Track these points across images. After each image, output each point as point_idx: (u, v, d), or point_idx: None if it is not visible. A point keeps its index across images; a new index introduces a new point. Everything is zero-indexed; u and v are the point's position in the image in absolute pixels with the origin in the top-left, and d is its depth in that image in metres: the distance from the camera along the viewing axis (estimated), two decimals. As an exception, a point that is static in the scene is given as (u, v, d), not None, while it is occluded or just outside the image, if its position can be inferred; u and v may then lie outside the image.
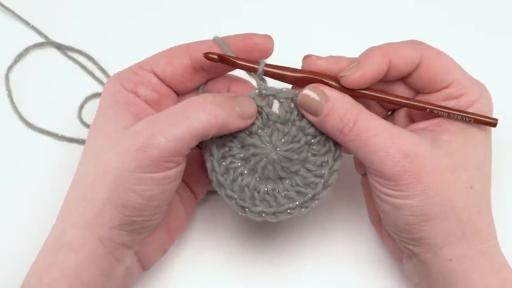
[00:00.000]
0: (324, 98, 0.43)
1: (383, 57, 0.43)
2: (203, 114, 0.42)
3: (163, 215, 0.46)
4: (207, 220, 0.55)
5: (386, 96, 0.45)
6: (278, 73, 0.45)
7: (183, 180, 0.49)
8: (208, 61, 0.45)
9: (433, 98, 0.45)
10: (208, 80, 0.49)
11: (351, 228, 0.55)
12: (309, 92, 0.44)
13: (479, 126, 0.44)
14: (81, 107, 0.59)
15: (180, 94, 0.49)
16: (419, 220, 0.42)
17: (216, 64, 0.46)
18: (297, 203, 0.45)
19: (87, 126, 0.59)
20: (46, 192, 0.55)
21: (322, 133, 0.45)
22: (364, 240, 0.54)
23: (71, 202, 0.44)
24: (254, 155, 0.45)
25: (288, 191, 0.46)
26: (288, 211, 0.45)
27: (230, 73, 0.50)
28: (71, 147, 0.58)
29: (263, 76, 0.46)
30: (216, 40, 0.46)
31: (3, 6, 0.63)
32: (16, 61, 0.61)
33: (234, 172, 0.45)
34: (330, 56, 0.45)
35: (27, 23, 0.63)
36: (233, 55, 0.45)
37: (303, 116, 0.45)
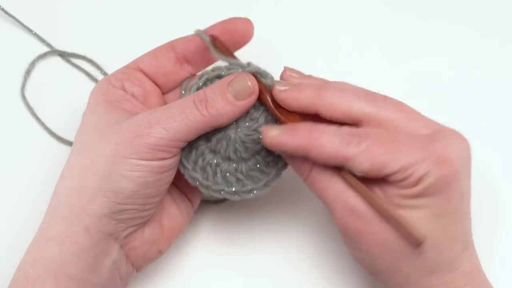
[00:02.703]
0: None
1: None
2: (197, 111, 0.43)
3: (154, 210, 0.46)
4: (210, 221, 0.55)
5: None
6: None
7: (177, 187, 0.50)
8: (190, 51, 0.48)
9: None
10: (191, 76, 0.50)
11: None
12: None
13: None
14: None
15: (165, 91, 0.50)
16: (370, 271, 0.44)
17: (199, 55, 0.48)
18: (233, 189, 0.45)
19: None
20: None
21: None
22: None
23: (57, 195, 0.44)
24: (217, 130, 0.45)
25: (230, 174, 0.46)
26: (222, 192, 0.46)
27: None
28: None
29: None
30: (197, 33, 0.48)
31: (5, 12, 0.63)
32: (25, 78, 0.61)
33: (196, 150, 0.46)
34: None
35: (29, 30, 0.63)
36: (211, 47, 0.47)
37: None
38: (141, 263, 0.48)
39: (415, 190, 0.39)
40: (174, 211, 0.50)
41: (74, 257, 0.42)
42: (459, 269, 0.42)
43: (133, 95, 0.48)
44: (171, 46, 0.49)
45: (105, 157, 0.42)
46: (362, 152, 0.40)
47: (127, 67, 0.49)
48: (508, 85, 0.61)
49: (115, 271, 0.46)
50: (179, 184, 0.50)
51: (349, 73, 0.52)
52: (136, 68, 0.48)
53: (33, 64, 0.61)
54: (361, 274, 0.53)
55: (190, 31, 0.62)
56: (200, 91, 0.44)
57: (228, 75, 0.45)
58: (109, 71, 0.61)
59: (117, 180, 0.42)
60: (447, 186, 0.39)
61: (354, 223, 0.41)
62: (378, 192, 0.41)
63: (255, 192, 0.46)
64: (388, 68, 0.62)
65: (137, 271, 0.48)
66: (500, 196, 0.56)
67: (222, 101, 0.43)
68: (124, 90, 0.48)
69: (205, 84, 0.46)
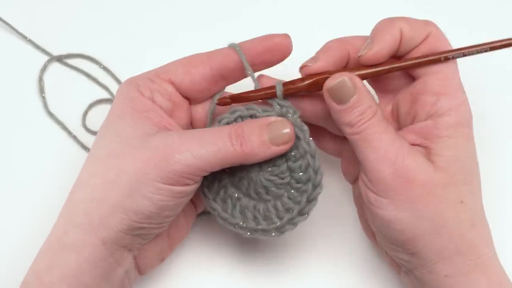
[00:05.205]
0: (354, 89, 0.43)
1: (394, 28, 0.43)
2: (231, 146, 0.42)
3: (168, 225, 0.47)
4: (206, 228, 0.55)
5: (401, 64, 0.44)
6: (295, 88, 0.45)
7: None
8: (229, 68, 0.46)
9: (416, 88, 0.45)
10: (222, 89, 0.48)
11: (351, 237, 0.55)
12: (346, 79, 0.43)
13: (465, 137, 0.43)
14: (85, 113, 0.59)
15: (194, 103, 0.49)
16: (410, 235, 0.42)
17: (236, 72, 0.46)
18: (245, 225, 0.45)
19: (92, 132, 0.59)
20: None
21: (306, 183, 0.45)
22: (365, 250, 0.54)
23: (76, 203, 0.44)
24: (240, 168, 0.45)
25: (248, 210, 0.46)
26: (236, 226, 0.46)
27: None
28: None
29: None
30: (233, 47, 0.46)
31: (2, 21, 0.63)
32: (44, 97, 0.61)
33: (219, 182, 0.46)
34: (322, 54, 0.45)
35: (24, 37, 0.63)
36: (247, 65, 0.45)
37: (297, 160, 0.45)
38: (146, 270, 0.49)
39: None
40: (182, 222, 0.50)
41: (90, 266, 0.43)
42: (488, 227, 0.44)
43: (161, 108, 0.46)
44: (207, 61, 0.46)
45: (129, 174, 0.42)
46: None
47: (158, 76, 0.47)
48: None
49: (125, 279, 0.47)
50: None
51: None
52: (168, 81, 0.46)
53: (41, 80, 0.61)
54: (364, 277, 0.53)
55: (188, 28, 0.64)
56: (237, 126, 0.44)
57: (263, 117, 0.45)
58: (109, 66, 0.62)
59: (139, 201, 0.42)
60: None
61: (405, 172, 0.41)
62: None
63: (266, 234, 0.45)
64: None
65: (140, 275, 0.49)
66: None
67: (257, 141, 0.43)
68: (153, 101, 0.46)
69: (235, 120, 0.46)
